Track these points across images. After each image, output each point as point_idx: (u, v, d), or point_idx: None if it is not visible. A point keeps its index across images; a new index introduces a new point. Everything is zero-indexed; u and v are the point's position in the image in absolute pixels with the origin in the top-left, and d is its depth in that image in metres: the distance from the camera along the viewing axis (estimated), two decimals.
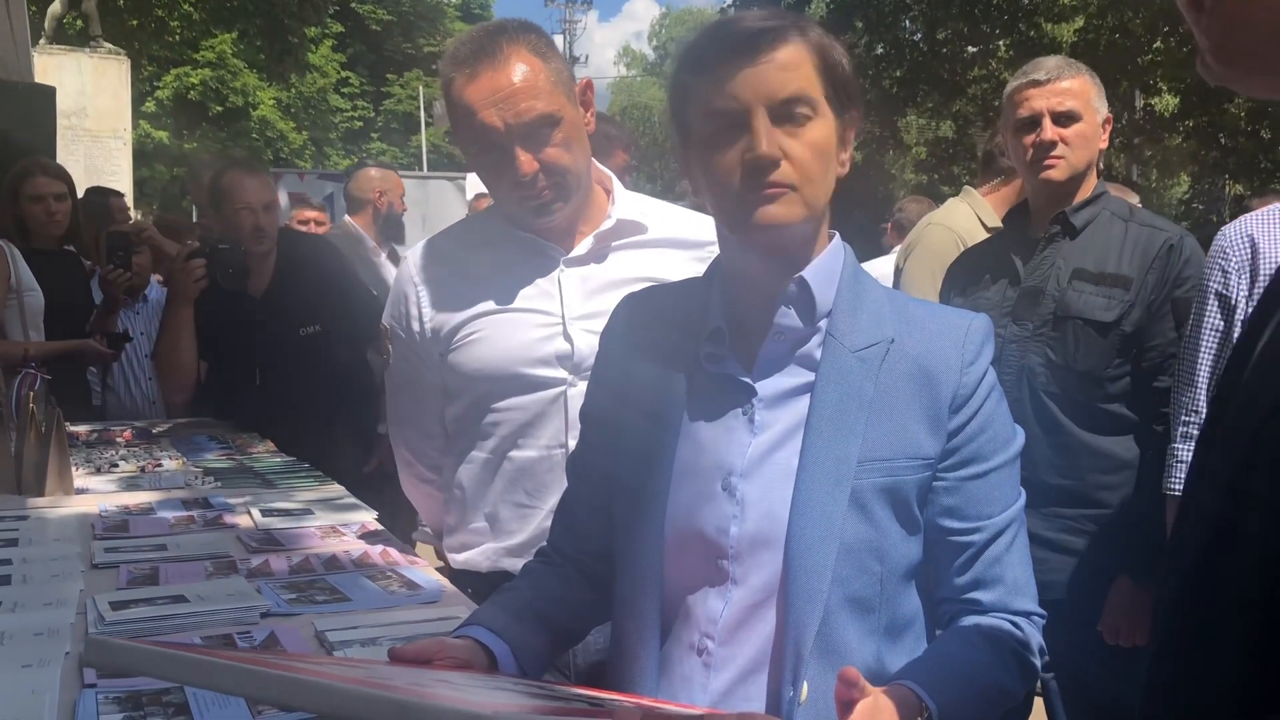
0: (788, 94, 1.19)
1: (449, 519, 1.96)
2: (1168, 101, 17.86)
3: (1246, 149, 17.25)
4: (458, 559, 1.94)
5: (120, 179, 12.11)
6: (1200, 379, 2.21)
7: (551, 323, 1.83)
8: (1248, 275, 2.16)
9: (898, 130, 21.79)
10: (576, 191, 1.82)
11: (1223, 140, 17.33)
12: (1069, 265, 2.40)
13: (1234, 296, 2.16)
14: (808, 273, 1.25)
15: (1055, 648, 2.33)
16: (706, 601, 1.25)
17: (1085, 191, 2.46)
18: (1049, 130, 2.40)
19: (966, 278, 2.59)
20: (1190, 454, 2.17)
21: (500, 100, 1.72)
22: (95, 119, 12.51)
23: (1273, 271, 2.08)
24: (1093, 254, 2.39)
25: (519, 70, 1.73)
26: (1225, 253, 2.19)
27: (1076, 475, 2.34)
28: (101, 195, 5.47)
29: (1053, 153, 2.40)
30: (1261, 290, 2.09)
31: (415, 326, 1.91)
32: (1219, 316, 2.19)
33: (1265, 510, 0.64)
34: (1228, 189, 20.02)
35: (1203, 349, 2.20)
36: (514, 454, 1.85)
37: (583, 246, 1.88)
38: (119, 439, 3.17)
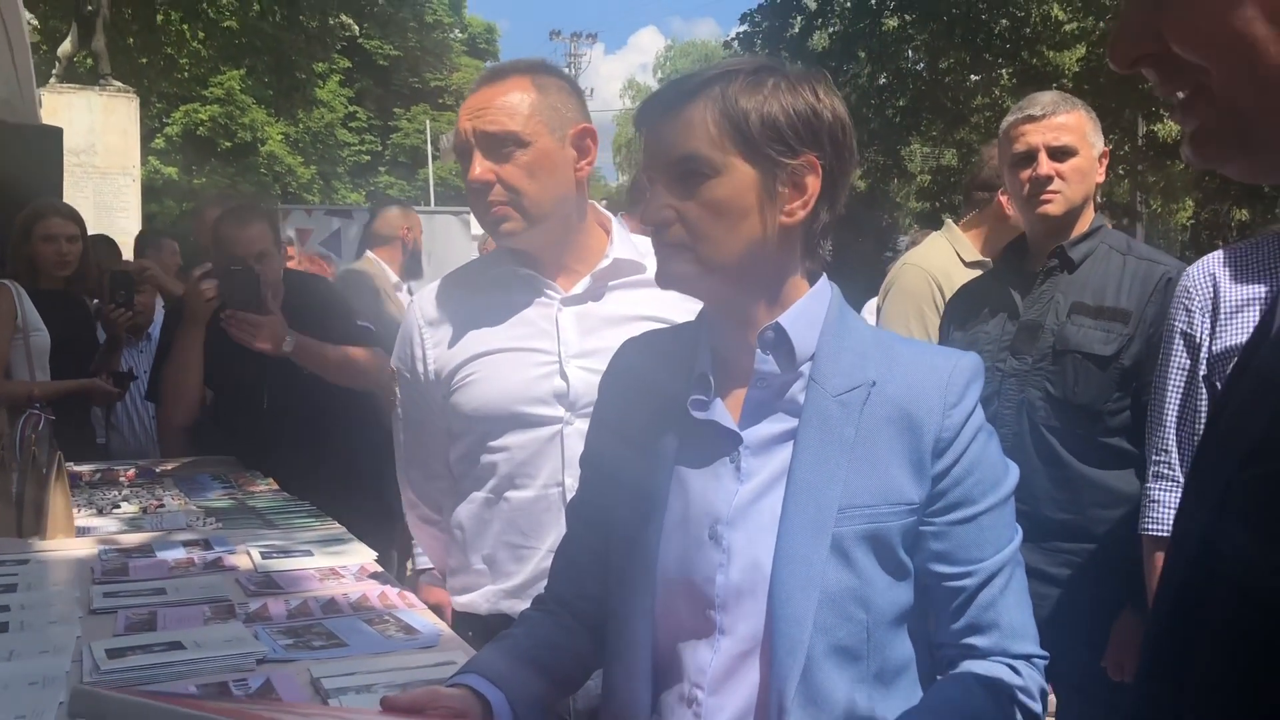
0: (677, 155, 1.23)
1: (451, 561, 1.97)
2: (1170, 128, 17.89)
3: None
4: (459, 601, 1.94)
5: (129, 215, 12.20)
6: (1168, 418, 2.20)
7: (548, 361, 1.85)
8: (1210, 314, 2.15)
9: (901, 159, 21.85)
10: (538, 221, 1.83)
11: None
12: (1067, 299, 2.40)
13: (1198, 335, 2.16)
14: (785, 319, 1.26)
15: (1058, 683, 2.34)
16: (696, 651, 1.25)
17: (1083, 225, 2.46)
18: (1045, 165, 2.41)
19: (966, 312, 2.60)
20: (1162, 493, 2.17)
21: (475, 110, 1.82)
22: (104, 156, 12.60)
23: (1231, 310, 2.08)
24: (1091, 287, 2.39)
25: (505, 91, 1.82)
26: (1189, 292, 2.19)
27: (1077, 509, 2.33)
28: (153, 238, 5.55)
29: (1049, 187, 2.41)
30: (1223, 328, 2.09)
31: (420, 369, 1.93)
32: (1185, 355, 2.19)
33: (1238, 554, 0.64)
34: (1234, 214, 20.03)
35: (1170, 389, 2.20)
36: (510, 494, 1.85)
37: (580, 285, 1.90)
38: (122, 479, 3.18)
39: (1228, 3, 0.67)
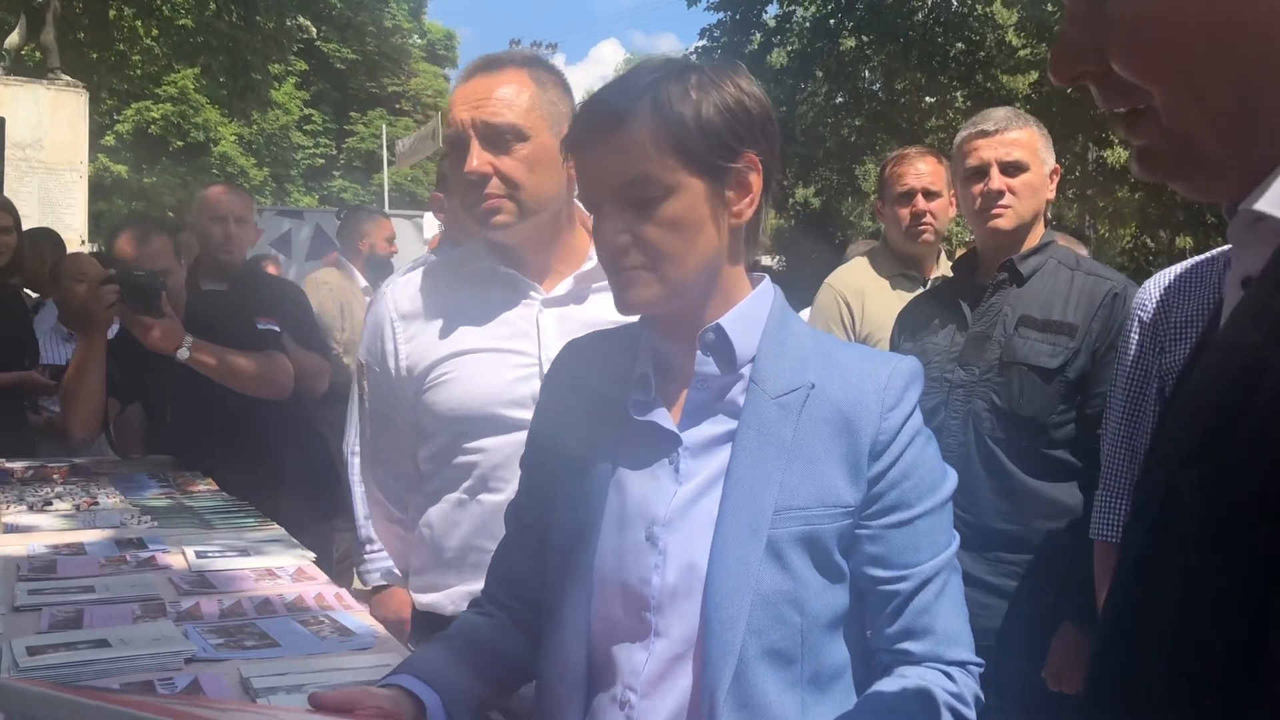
0: (624, 180, 1.19)
1: (414, 560, 1.92)
2: (1119, 154, 18.24)
3: (1192, 204, 17.63)
4: (422, 600, 1.90)
5: (76, 213, 11.96)
6: (1119, 428, 2.22)
7: (528, 363, 1.80)
8: (1161, 328, 2.17)
9: (856, 178, 22.07)
10: (531, 215, 1.78)
11: (1171, 193, 17.68)
12: (1015, 312, 2.42)
13: (1149, 348, 2.18)
14: (726, 320, 1.24)
15: (1000, 693, 2.34)
16: (630, 653, 1.23)
17: (1033, 240, 2.49)
18: (996, 180, 2.43)
19: (917, 322, 2.61)
20: (1111, 500, 2.20)
21: (475, 100, 1.76)
22: (51, 151, 12.35)
23: (1181, 324, 2.11)
24: (1039, 301, 2.41)
25: (504, 82, 1.77)
26: (1144, 305, 2.21)
27: (1021, 520, 2.35)
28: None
29: (1000, 202, 2.43)
30: (1173, 343, 2.12)
31: (391, 364, 1.88)
32: (1136, 367, 2.21)
33: (1179, 560, 0.64)
34: (1179, 242, 20.43)
35: (1122, 400, 2.21)
36: (484, 496, 1.80)
37: (562, 287, 1.85)
38: (55, 475, 3.10)
39: (1176, 34, 0.68)
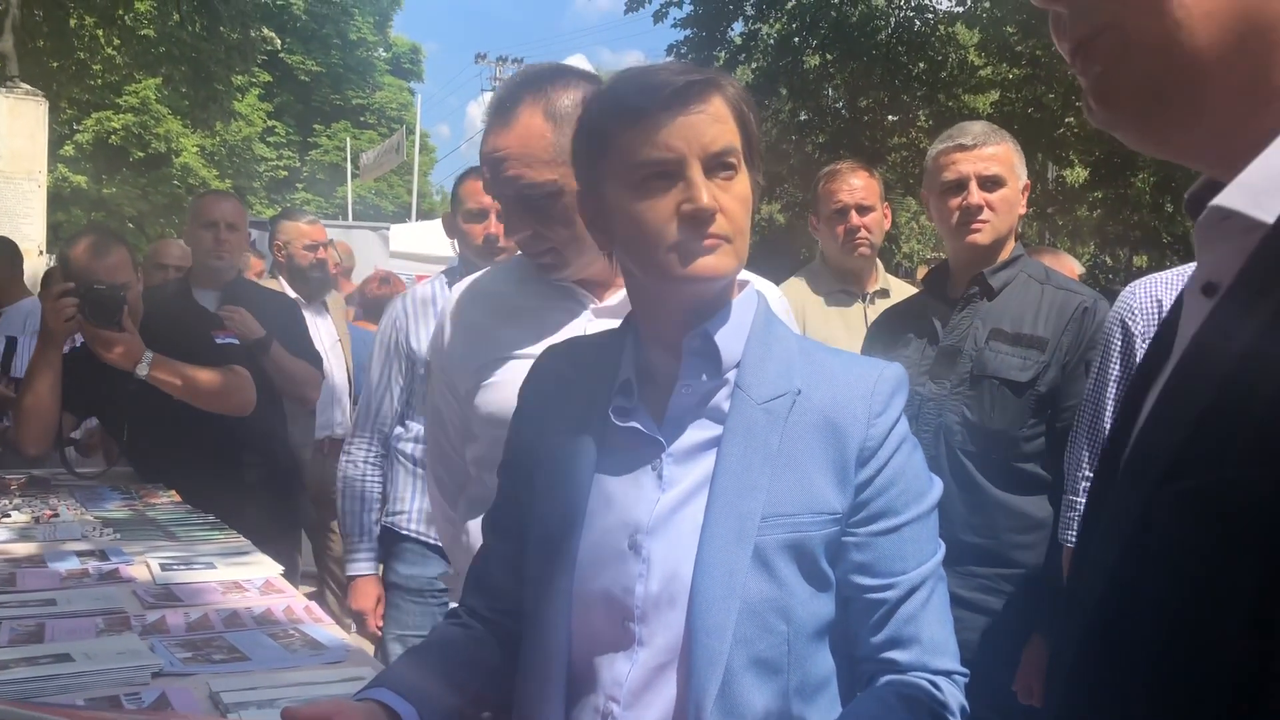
0: (719, 146, 1.19)
1: (454, 565, 1.91)
2: (1079, 173, 18.48)
3: (1149, 222, 17.89)
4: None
5: (34, 222, 11.76)
6: (1103, 433, 2.23)
7: None
8: (1148, 336, 2.19)
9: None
10: (579, 257, 1.76)
11: (1129, 213, 17.95)
12: (986, 325, 2.43)
13: (1138, 355, 2.19)
14: (712, 325, 1.24)
15: (973, 708, 2.34)
16: (613, 664, 1.21)
17: (1004, 254, 2.50)
18: (976, 195, 2.44)
19: (888, 336, 2.62)
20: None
21: (502, 163, 1.69)
22: (9, 160, 12.15)
23: None
24: (1009, 315, 2.43)
25: (528, 136, 1.69)
26: (1133, 311, 2.22)
27: (992, 534, 2.35)
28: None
29: (979, 217, 2.44)
30: None
31: (446, 363, 1.88)
32: (1119, 376, 2.22)
33: (1161, 573, 0.63)
34: (1136, 260, 20.71)
35: (1107, 406, 2.23)
36: None
37: (614, 297, 1.82)
38: (13, 486, 3.03)
39: None
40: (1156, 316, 2.19)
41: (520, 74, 1.80)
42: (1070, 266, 4.17)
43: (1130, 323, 2.21)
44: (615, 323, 1.81)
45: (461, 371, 1.84)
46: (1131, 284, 2.29)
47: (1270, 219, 0.63)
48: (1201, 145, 0.70)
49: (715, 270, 1.19)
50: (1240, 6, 0.65)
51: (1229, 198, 0.65)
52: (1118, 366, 2.22)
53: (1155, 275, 2.27)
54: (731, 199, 1.20)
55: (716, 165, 1.20)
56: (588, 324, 1.81)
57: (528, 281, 1.85)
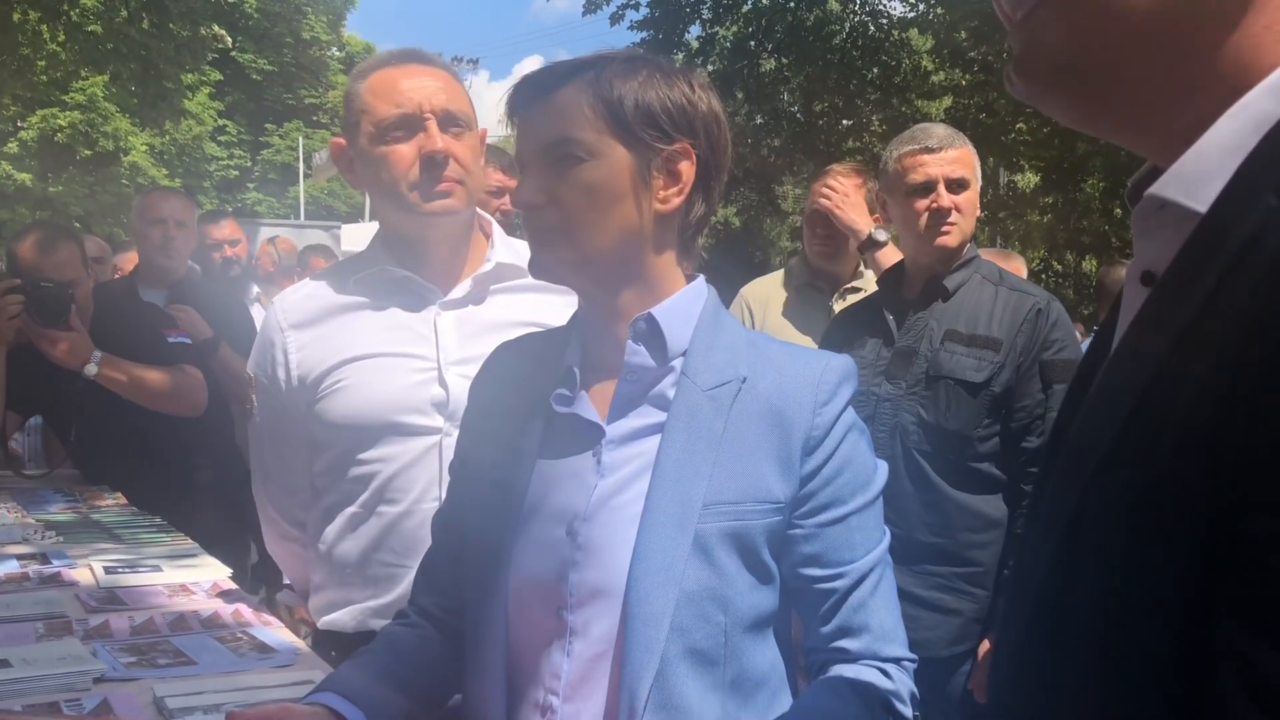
0: (550, 140, 1.20)
1: (314, 577, 1.86)
2: (1029, 179, 18.72)
3: (1098, 227, 18.17)
4: (323, 620, 1.83)
5: None
6: None
7: (426, 368, 1.76)
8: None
9: (775, 197, 22.31)
10: (470, 205, 1.80)
11: (1078, 218, 18.23)
12: (941, 326, 2.44)
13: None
14: (658, 310, 1.23)
15: (929, 706, 2.36)
16: (550, 656, 1.19)
17: (958, 255, 2.51)
18: (946, 198, 2.45)
19: (844, 337, 2.62)
20: None
21: (427, 87, 1.75)
22: None
23: None
24: (964, 316, 2.44)
25: (445, 75, 1.79)
26: None
27: (948, 533, 2.36)
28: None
29: (949, 219, 2.45)
30: None
31: (281, 375, 1.81)
32: None
33: (1094, 562, 0.63)
34: (1085, 265, 21.02)
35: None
36: (382, 508, 1.75)
37: (460, 289, 1.82)
38: None
39: None
40: None
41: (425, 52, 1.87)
42: (1017, 266, 4.21)
43: None
44: (465, 314, 1.82)
45: (300, 383, 1.80)
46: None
47: (1203, 208, 0.62)
48: (1131, 128, 0.70)
49: (542, 266, 1.24)
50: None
51: (1163, 187, 0.65)
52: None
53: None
54: (568, 188, 1.19)
55: (554, 158, 1.20)
56: (436, 316, 1.80)
57: (364, 282, 1.83)
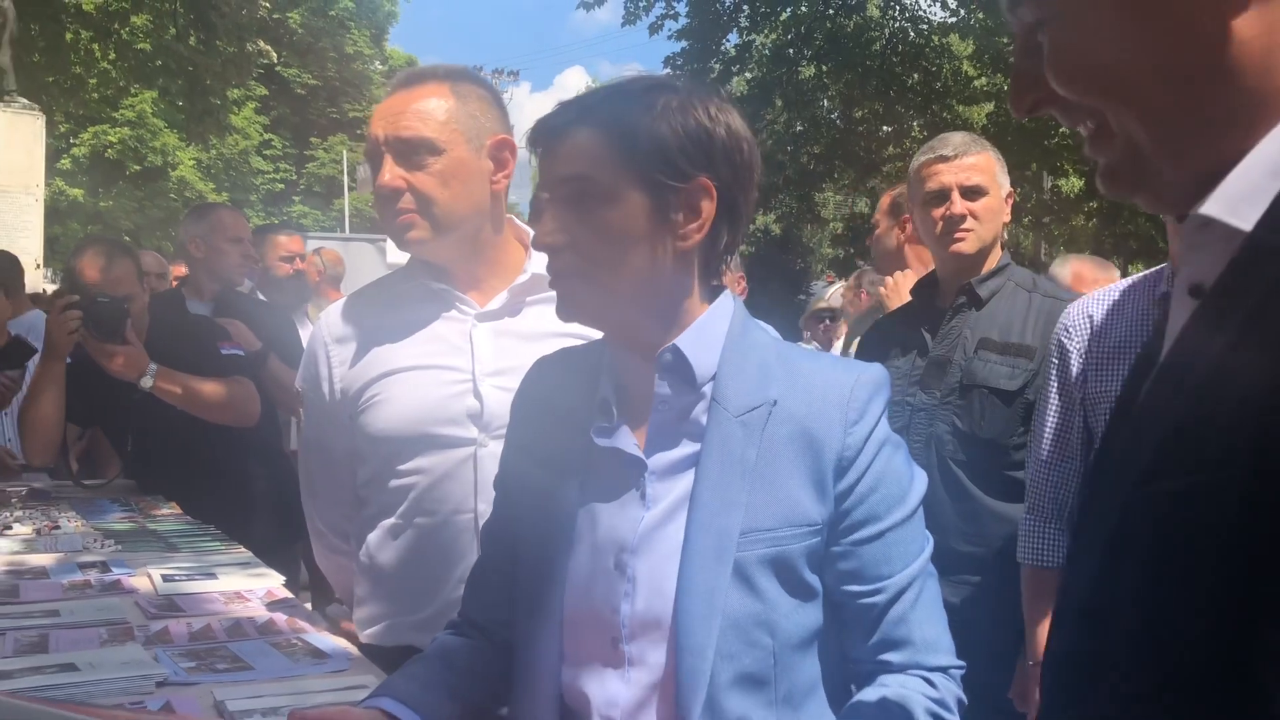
0: (566, 176, 1.21)
1: (358, 590, 1.89)
2: (1074, 183, 18.54)
3: (1145, 231, 17.95)
4: (365, 634, 1.86)
5: (31, 236, 11.79)
6: (1043, 454, 2.24)
7: (461, 379, 1.78)
8: (1085, 355, 2.19)
9: (815, 205, 22.26)
10: (447, 231, 1.78)
11: (1124, 221, 18.02)
12: (975, 335, 2.46)
13: (1074, 373, 2.19)
14: (682, 340, 1.24)
15: (973, 712, 2.36)
16: (606, 684, 1.23)
17: (991, 263, 2.53)
18: (959, 204, 2.47)
19: (878, 347, 2.65)
20: (1036, 524, 2.22)
21: (390, 115, 1.76)
22: (6, 174, 12.18)
23: (1112, 347, 2.12)
24: (998, 324, 2.45)
25: (422, 96, 1.77)
26: (1067, 330, 2.23)
27: (984, 543, 2.38)
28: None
29: (962, 226, 2.47)
30: (1098, 371, 2.13)
31: (325, 388, 1.86)
32: (1057, 395, 2.22)
33: (1139, 569, 0.64)
34: (1131, 269, 20.77)
35: (1047, 427, 2.23)
36: (420, 520, 1.78)
37: (496, 301, 1.84)
38: (13, 499, 3.06)
39: (1097, 47, 0.69)
40: (1088, 330, 2.19)
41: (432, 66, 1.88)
42: (1112, 276, 4.09)
43: (1066, 340, 2.22)
44: (501, 325, 1.82)
45: (343, 396, 1.83)
46: (1069, 305, 2.30)
47: (1248, 226, 0.65)
48: (1199, 194, 0.73)
49: (564, 307, 1.26)
50: (1182, 67, 0.68)
51: (1210, 206, 0.67)
52: (1055, 389, 2.22)
53: (1094, 294, 2.27)
54: (590, 231, 1.20)
55: (572, 196, 1.21)
56: (472, 329, 1.81)
57: (403, 296, 1.85)
